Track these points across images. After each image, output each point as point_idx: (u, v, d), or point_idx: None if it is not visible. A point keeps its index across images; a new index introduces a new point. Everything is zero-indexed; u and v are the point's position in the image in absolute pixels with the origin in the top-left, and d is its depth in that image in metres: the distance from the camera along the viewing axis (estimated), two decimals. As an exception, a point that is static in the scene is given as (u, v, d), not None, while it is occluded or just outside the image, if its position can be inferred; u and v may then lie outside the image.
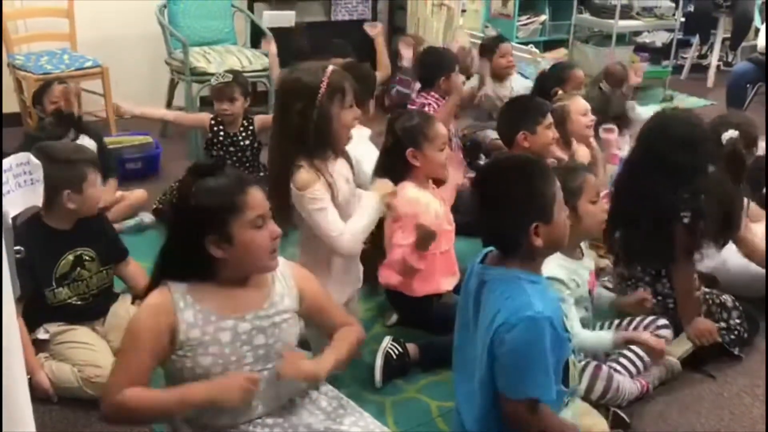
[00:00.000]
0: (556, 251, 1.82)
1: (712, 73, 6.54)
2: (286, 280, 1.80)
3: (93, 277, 2.41)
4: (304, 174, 2.15)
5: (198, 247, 1.62)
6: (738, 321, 2.60)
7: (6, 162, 1.53)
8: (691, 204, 2.41)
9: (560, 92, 3.50)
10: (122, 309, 2.48)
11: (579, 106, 3.24)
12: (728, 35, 6.70)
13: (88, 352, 2.29)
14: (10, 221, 1.25)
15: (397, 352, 2.45)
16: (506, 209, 1.69)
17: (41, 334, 2.32)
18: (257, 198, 1.65)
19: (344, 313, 1.94)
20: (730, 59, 7.04)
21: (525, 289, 1.67)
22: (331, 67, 2.17)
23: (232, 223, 1.61)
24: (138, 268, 2.58)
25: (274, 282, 1.77)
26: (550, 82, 3.87)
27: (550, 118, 2.93)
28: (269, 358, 1.72)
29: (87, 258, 2.39)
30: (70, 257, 2.35)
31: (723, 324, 2.59)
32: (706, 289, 2.62)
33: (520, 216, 1.67)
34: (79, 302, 2.39)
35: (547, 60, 5.68)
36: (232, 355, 1.67)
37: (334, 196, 2.19)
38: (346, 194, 2.26)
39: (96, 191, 2.40)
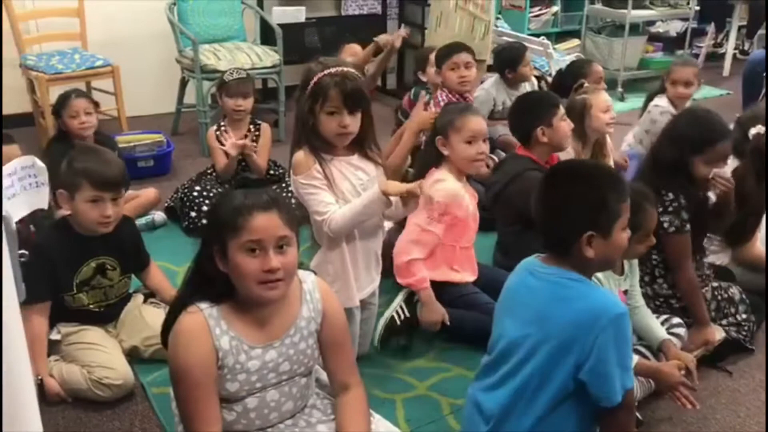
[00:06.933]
0: (606, 269, 1.76)
1: (728, 62, 6.46)
2: (314, 303, 1.74)
3: (114, 286, 2.40)
4: (299, 157, 2.19)
5: (212, 257, 1.60)
6: (745, 316, 2.56)
7: (11, 165, 1.53)
8: (673, 208, 2.33)
9: (586, 84, 3.44)
10: (135, 307, 2.49)
11: (601, 103, 3.20)
12: (744, 23, 6.61)
13: (98, 353, 2.29)
14: (14, 225, 1.25)
15: (402, 317, 2.53)
16: (565, 211, 1.65)
17: (54, 335, 2.33)
18: (260, 224, 1.55)
19: (354, 363, 1.84)
20: (746, 47, 6.94)
21: (591, 286, 1.63)
22: (330, 70, 2.14)
23: (228, 241, 1.57)
24: (159, 272, 2.59)
25: (301, 304, 1.72)
26: (569, 79, 3.82)
27: (562, 109, 2.90)
28: (292, 375, 1.71)
29: (109, 267, 2.38)
30: (93, 264, 2.34)
31: (732, 319, 2.55)
32: (714, 283, 2.58)
33: (576, 220, 1.63)
34: (96, 309, 2.38)
35: (560, 52, 5.63)
36: (258, 381, 1.66)
37: (335, 187, 2.18)
38: (355, 188, 2.22)
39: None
